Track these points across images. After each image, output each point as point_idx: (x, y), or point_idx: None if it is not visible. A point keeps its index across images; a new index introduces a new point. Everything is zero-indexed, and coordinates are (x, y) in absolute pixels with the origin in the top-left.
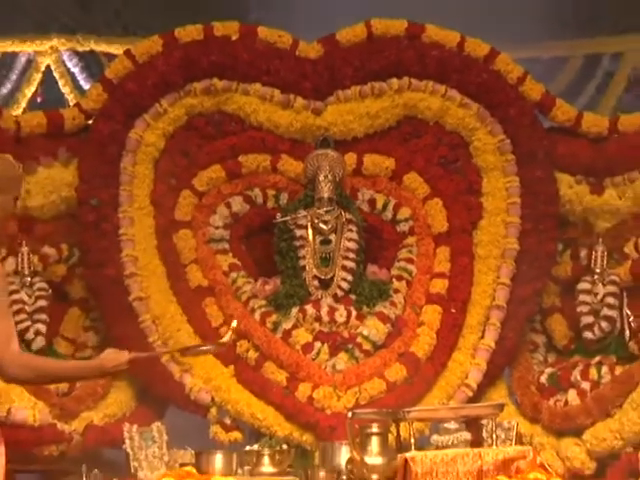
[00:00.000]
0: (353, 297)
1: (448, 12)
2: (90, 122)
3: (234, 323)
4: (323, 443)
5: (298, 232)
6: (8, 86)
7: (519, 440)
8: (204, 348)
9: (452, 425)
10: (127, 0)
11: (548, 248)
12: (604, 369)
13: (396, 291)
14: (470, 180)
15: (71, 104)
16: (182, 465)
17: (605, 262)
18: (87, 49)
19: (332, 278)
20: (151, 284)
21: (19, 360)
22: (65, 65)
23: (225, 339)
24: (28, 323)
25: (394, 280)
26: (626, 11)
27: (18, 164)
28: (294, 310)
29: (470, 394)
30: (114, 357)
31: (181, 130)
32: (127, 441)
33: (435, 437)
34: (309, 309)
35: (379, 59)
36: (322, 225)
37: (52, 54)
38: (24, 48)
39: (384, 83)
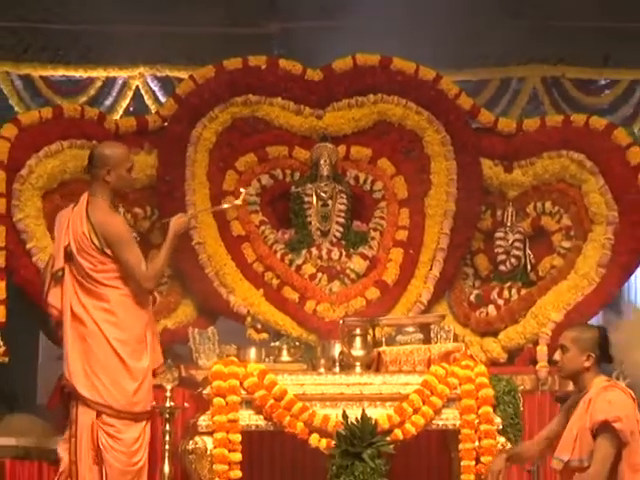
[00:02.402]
0: (344, 242)
1: (410, 48)
2: (166, 124)
3: (243, 190)
4: (323, 341)
5: (306, 198)
6: (110, 100)
7: (455, 339)
8: (226, 206)
9: (410, 329)
10: (191, 41)
11: (475, 209)
12: (513, 291)
13: (372, 238)
14: (423, 163)
15: (153, 112)
16: (228, 356)
17: (514, 218)
18: (163, 74)
19: (329, 230)
20: (206, 233)
21: (147, 273)
22: (149, 85)
23: (238, 201)
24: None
25: (371, 231)
26: (527, 48)
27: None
28: (303, 251)
29: (422, 308)
30: (176, 220)
31: (227, 129)
32: (191, 340)
33: (399, 337)
34: (314, 251)
35: (361, 81)
36: (322, 194)
37: (140, 78)
38: (120, 74)
39: (365, 97)
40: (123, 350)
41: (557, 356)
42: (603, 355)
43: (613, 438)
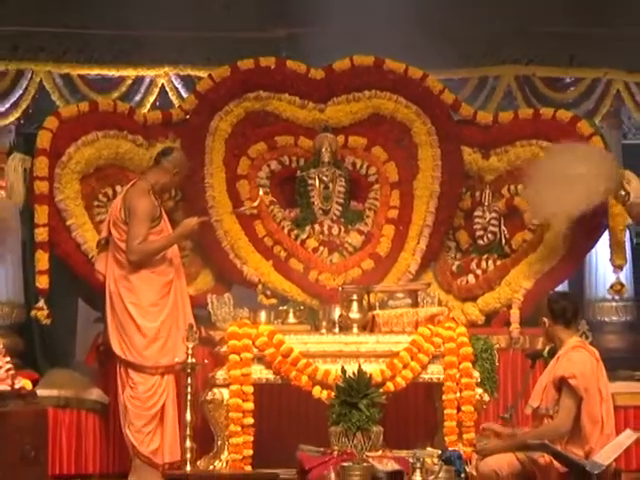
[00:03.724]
0: (342, 220)
1: (400, 50)
2: (187, 117)
3: (261, 192)
4: (324, 305)
5: (310, 181)
6: (139, 95)
7: (439, 304)
8: (244, 209)
9: (400, 295)
10: (210, 45)
11: (457, 190)
12: (490, 262)
13: (367, 216)
14: (411, 151)
15: (176, 106)
16: (241, 318)
17: (490, 199)
18: (185, 73)
19: (330, 209)
20: (223, 211)
21: (135, 247)
22: (172, 83)
23: (255, 204)
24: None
25: (366, 210)
26: (501, 51)
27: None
28: (307, 228)
29: (411, 277)
30: (187, 221)
31: (241, 121)
32: (209, 304)
33: (390, 302)
34: (316, 227)
35: (358, 79)
36: (324, 177)
37: (165, 77)
38: (148, 73)
39: (361, 93)
40: (135, 311)
41: None
42: (556, 318)
43: (571, 392)
